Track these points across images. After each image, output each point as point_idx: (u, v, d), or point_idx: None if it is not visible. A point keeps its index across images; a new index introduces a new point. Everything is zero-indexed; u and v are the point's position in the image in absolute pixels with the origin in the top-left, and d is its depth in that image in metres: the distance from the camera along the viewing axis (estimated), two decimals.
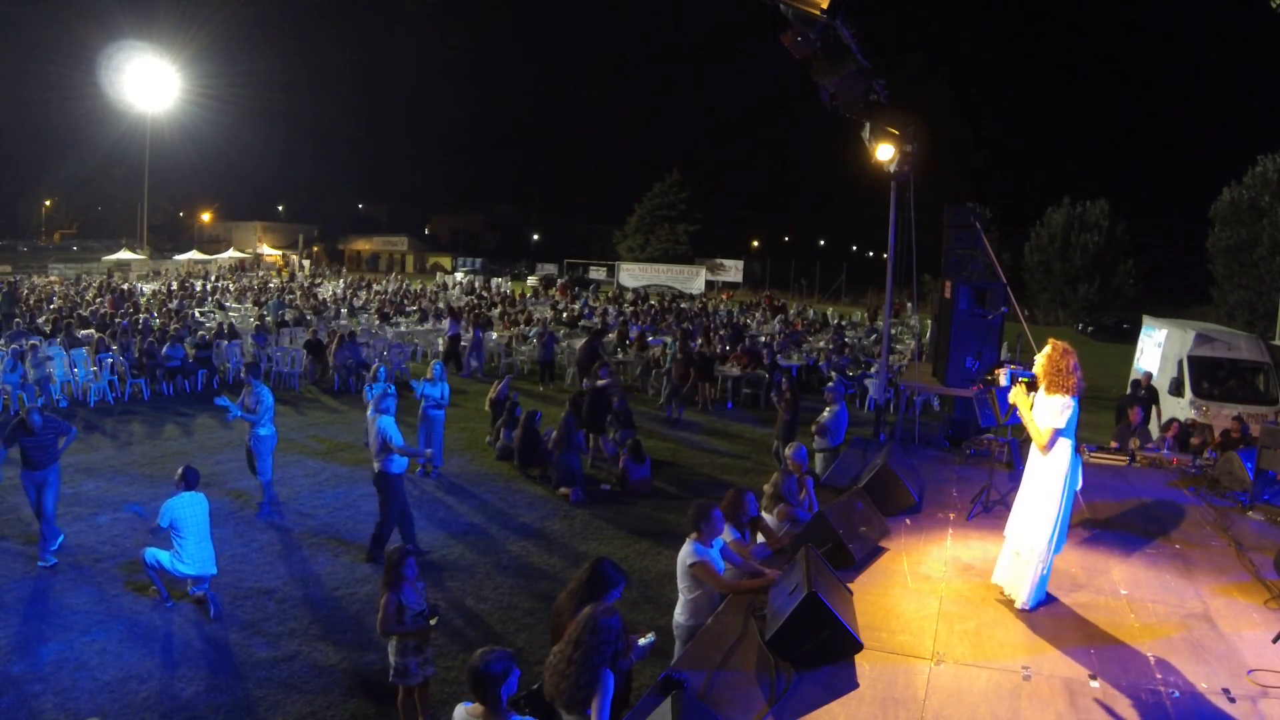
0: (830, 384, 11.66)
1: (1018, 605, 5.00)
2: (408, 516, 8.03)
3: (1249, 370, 13.59)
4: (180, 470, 6.80)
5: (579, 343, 18.73)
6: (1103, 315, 37.50)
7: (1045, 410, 4.91)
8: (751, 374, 16.27)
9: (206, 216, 68.16)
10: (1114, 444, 9.94)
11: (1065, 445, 4.92)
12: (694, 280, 48.46)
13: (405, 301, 28.81)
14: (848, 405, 10.02)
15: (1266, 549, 6.10)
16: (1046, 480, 4.93)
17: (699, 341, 18.75)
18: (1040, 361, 4.99)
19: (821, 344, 21.25)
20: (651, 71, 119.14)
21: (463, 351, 18.12)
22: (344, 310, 25.68)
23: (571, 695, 3.57)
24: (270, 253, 58.49)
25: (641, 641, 4.08)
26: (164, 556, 6.59)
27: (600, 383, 11.47)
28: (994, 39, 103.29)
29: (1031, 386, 5.15)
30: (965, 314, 9.11)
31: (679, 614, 5.07)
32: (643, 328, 21.90)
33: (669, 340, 18.51)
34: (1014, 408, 5.28)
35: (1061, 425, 4.85)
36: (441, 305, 28.03)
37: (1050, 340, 5.08)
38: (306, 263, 54.12)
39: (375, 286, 37.17)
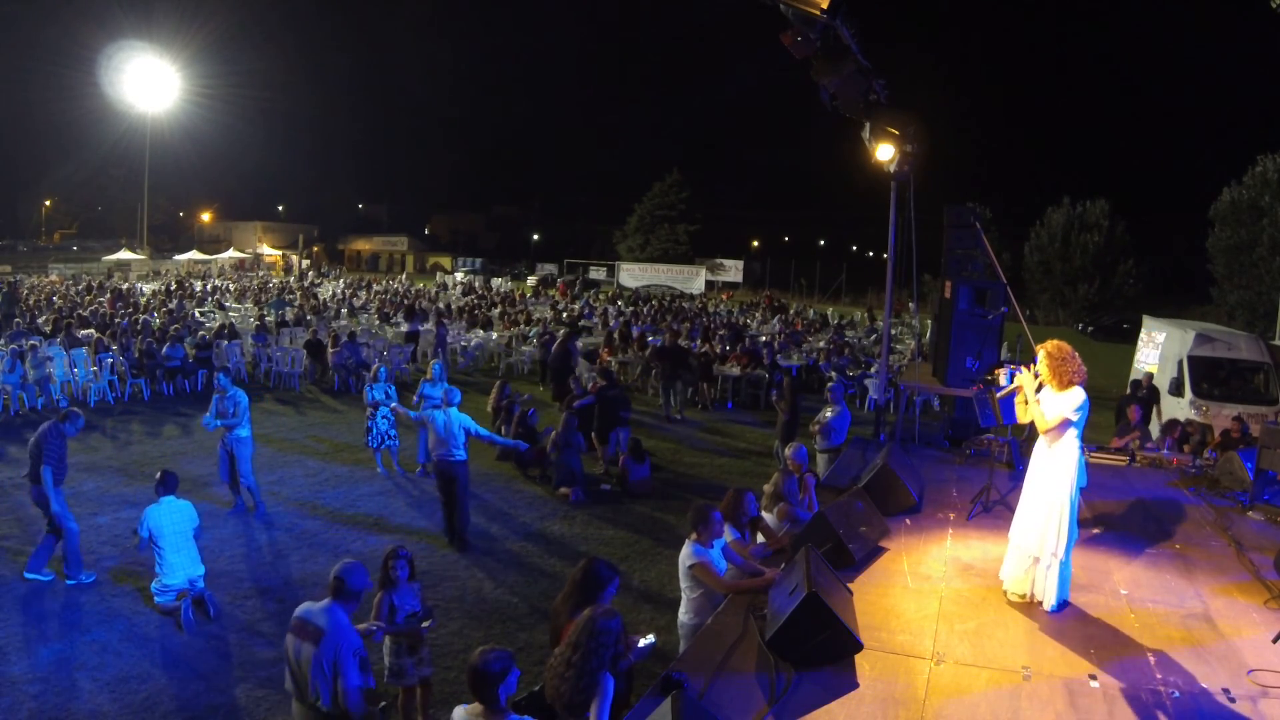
0: (831, 384, 11.66)
1: (1046, 607, 5.00)
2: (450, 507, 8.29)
3: (1249, 370, 13.60)
4: (159, 475, 6.59)
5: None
6: (1103, 315, 37.49)
7: (1059, 404, 4.93)
8: (751, 374, 16.27)
9: (206, 216, 68.16)
10: (1117, 441, 9.96)
11: (1073, 442, 4.94)
12: (694, 280, 48.49)
13: (406, 301, 28.83)
14: (848, 405, 10.01)
15: (1266, 549, 6.10)
16: (1055, 481, 4.94)
17: (698, 341, 18.75)
18: (1042, 367, 5.01)
19: (821, 344, 21.25)
20: (651, 71, 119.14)
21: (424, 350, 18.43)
22: (344, 310, 25.70)
23: (571, 698, 3.57)
24: (270, 253, 58.49)
25: (641, 643, 4.08)
26: (162, 595, 6.44)
27: (600, 384, 11.47)
28: (994, 39, 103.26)
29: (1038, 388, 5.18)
30: (965, 314, 9.10)
31: (683, 613, 5.11)
32: (643, 328, 21.90)
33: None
34: (1016, 389, 5.28)
35: (1074, 418, 4.87)
36: (441, 305, 28.05)
37: (1039, 346, 5.10)
38: (306, 263, 54.16)
39: (375, 286, 37.19)
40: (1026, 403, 5.19)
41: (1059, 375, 4.94)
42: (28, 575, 7.00)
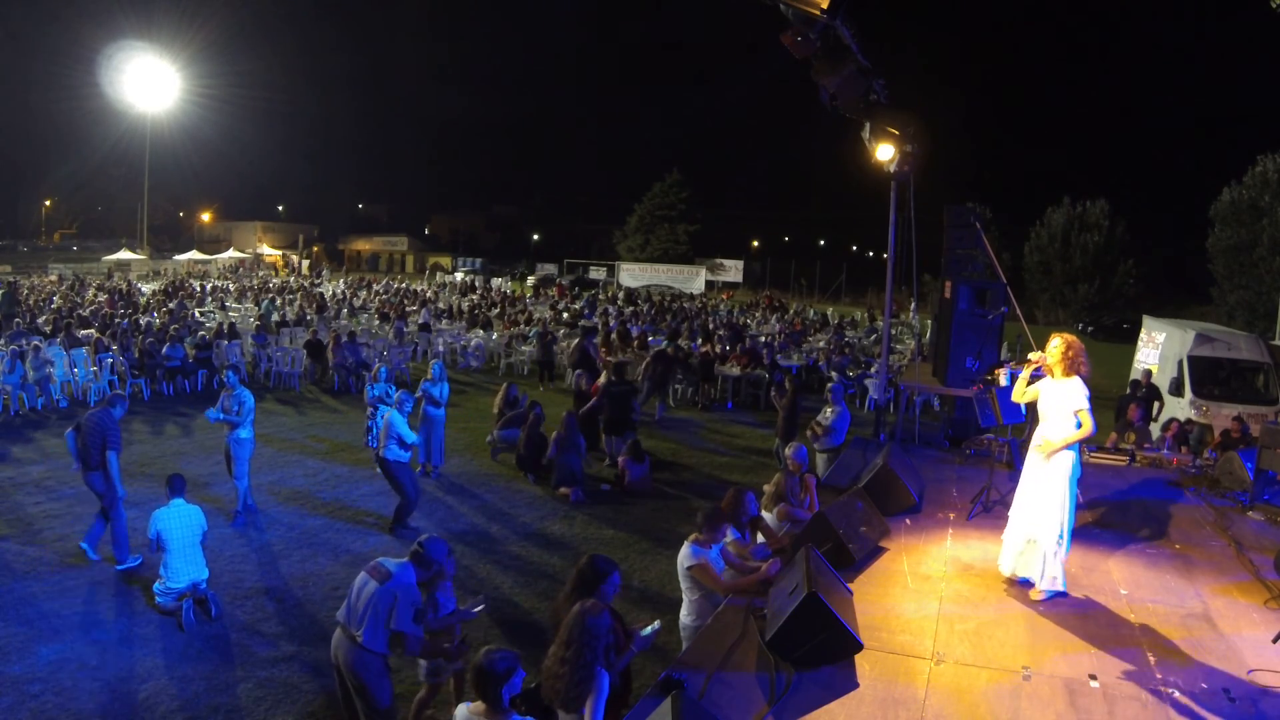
0: (831, 384, 11.68)
1: (1042, 590, 5.09)
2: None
3: (1249, 370, 13.60)
4: (167, 479, 6.72)
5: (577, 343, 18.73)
6: (1103, 315, 37.54)
7: (1065, 393, 5.03)
8: (751, 374, 16.27)
9: (206, 216, 68.16)
10: (1114, 436, 9.98)
11: (1076, 424, 5.02)
12: (694, 280, 48.53)
13: (406, 302, 28.83)
14: (848, 405, 10.02)
15: (1266, 549, 6.11)
16: (1054, 469, 5.06)
17: (699, 341, 18.75)
18: (1055, 352, 5.12)
19: (821, 344, 21.25)
20: (651, 71, 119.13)
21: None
22: (344, 310, 25.69)
23: (566, 694, 3.59)
24: (270, 253, 58.51)
25: (645, 631, 4.08)
26: (164, 596, 6.47)
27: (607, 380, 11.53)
28: (994, 39, 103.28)
29: (1037, 377, 5.27)
30: (965, 314, 9.12)
31: (684, 615, 5.11)
32: (643, 328, 21.90)
33: (667, 340, 18.52)
34: (1031, 364, 5.37)
35: (1086, 406, 4.99)
36: (442, 305, 28.04)
37: (1059, 335, 5.22)
38: (305, 263, 54.19)
39: (375, 286, 37.19)
40: (1031, 382, 5.31)
41: (1065, 365, 5.06)
42: (93, 555, 7.43)
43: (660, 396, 14.53)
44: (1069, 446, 5.03)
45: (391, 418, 8.43)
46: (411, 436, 8.46)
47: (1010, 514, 5.38)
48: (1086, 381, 5.07)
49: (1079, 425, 5.00)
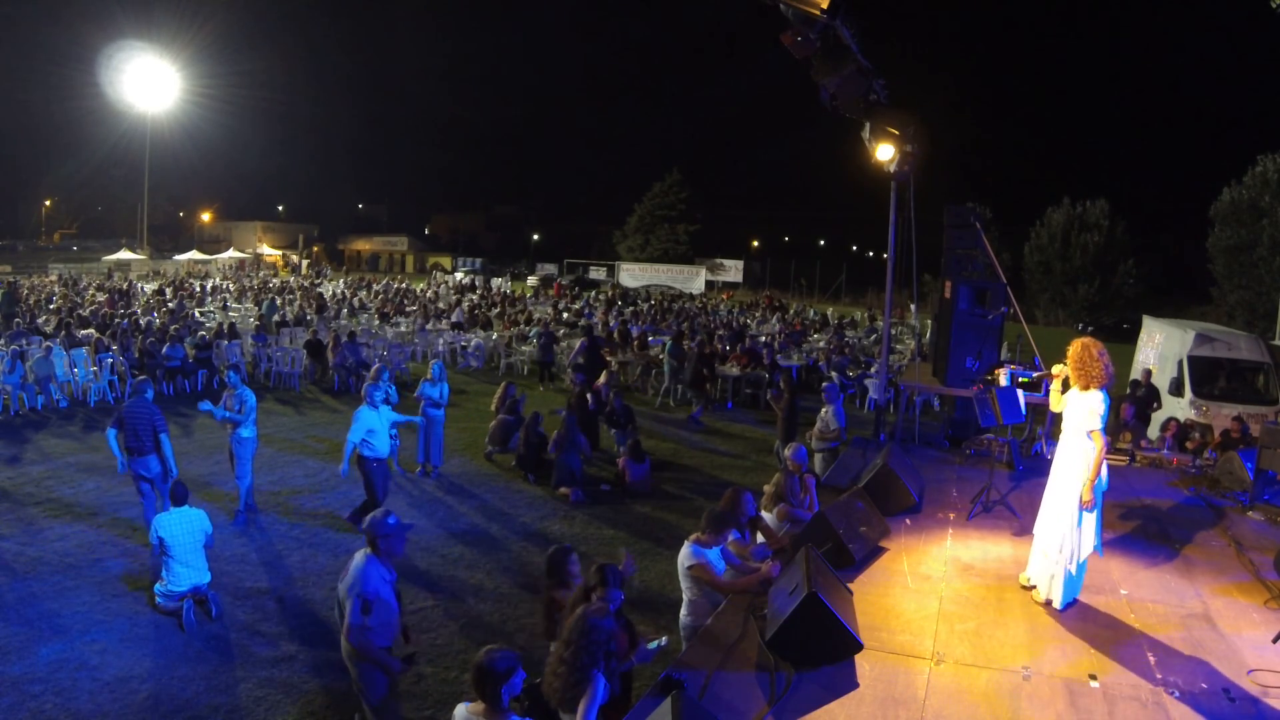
0: (826, 384, 11.67)
1: (1053, 605, 5.03)
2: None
3: (1249, 370, 13.60)
4: (170, 489, 6.70)
5: (579, 343, 18.78)
6: (1103, 315, 37.54)
7: (1081, 409, 4.95)
8: (751, 374, 16.27)
9: (206, 216, 68.18)
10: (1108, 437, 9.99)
11: (1090, 445, 4.96)
12: (694, 280, 48.56)
13: (405, 302, 28.85)
14: (848, 405, 10.02)
15: (1266, 549, 6.11)
16: (1070, 478, 4.98)
17: (699, 339, 18.74)
18: (1070, 363, 5.06)
19: (821, 344, 21.25)
20: (652, 71, 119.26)
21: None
22: (344, 310, 25.69)
23: (564, 694, 3.59)
24: (270, 253, 58.53)
25: (651, 645, 4.09)
26: (165, 598, 6.46)
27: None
28: (994, 39, 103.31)
29: (1064, 386, 5.23)
30: (965, 314, 9.11)
31: (683, 614, 5.12)
32: (643, 328, 21.90)
33: (669, 341, 18.50)
34: (1053, 376, 5.30)
35: (1099, 426, 4.90)
36: (442, 305, 28.04)
37: (1074, 341, 5.14)
38: (305, 263, 54.19)
39: (375, 286, 37.20)
40: (1063, 390, 5.25)
41: (1082, 377, 4.98)
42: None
43: (700, 399, 14.48)
44: (1087, 461, 4.91)
45: (357, 412, 8.37)
46: (357, 436, 8.16)
47: (1036, 524, 5.29)
48: (1109, 388, 4.98)
49: (1093, 447, 4.90)
